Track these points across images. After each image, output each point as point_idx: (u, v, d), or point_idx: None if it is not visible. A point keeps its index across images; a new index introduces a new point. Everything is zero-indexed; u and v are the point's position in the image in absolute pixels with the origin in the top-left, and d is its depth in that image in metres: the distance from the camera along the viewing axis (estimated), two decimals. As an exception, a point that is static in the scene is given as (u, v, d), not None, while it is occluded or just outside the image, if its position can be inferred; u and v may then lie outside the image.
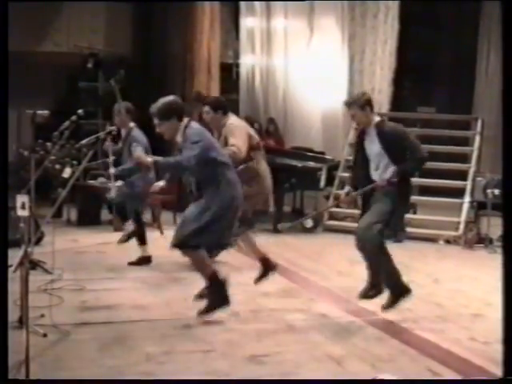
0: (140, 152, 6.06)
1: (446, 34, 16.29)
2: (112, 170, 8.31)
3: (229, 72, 15.66)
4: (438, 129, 13.55)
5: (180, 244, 5.92)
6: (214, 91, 13.02)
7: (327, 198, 12.15)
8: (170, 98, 6.01)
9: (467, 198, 11.10)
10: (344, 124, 13.64)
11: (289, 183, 11.51)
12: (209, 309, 6.01)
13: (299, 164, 11.76)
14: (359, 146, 6.39)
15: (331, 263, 8.94)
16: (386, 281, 6.27)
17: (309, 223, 11.42)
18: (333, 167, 12.19)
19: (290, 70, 14.99)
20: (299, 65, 14.81)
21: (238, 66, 16.05)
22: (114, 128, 7.23)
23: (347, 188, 6.56)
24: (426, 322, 6.30)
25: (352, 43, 14.09)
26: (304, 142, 13.76)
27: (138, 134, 8.37)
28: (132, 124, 8.43)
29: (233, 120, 7.38)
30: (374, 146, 6.17)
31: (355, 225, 10.82)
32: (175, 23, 13.69)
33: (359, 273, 7.69)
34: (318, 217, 11.43)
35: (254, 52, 15.64)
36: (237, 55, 16.06)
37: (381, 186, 6.13)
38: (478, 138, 12.32)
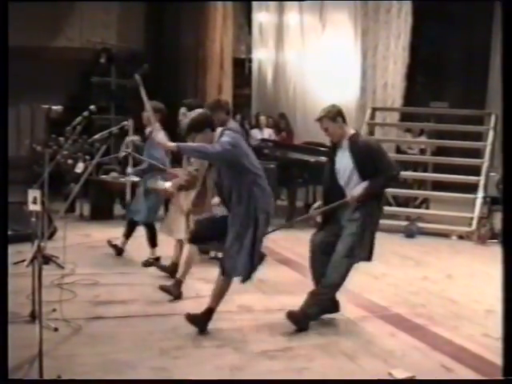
0: (162, 137, 5.91)
1: (459, 29, 16.21)
2: (129, 170, 8.44)
3: (241, 67, 15.65)
4: (450, 124, 13.50)
5: (245, 278, 5.83)
6: (227, 86, 13.03)
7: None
8: (199, 110, 6.00)
9: (480, 194, 11.05)
10: (356, 119, 13.60)
11: (301, 178, 11.49)
12: None
13: (312, 159, 11.74)
14: (330, 160, 6.15)
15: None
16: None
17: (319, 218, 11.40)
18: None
19: (303, 64, 14.97)
20: (311, 60, 14.78)
21: (250, 61, 16.04)
22: (126, 123, 7.24)
23: (318, 203, 6.33)
24: (439, 318, 6.29)
25: (365, 38, 14.04)
26: (316, 137, 13.71)
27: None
28: (157, 124, 8.42)
29: (232, 123, 7.29)
30: (344, 160, 5.92)
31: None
32: (188, 18, 13.70)
33: (371, 267, 7.68)
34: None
35: (266, 47, 15.63)
36: (249, 50, 16.06)
37: (350, 203, 5.87)
38: (491, 133, 12.26)
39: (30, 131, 15.80)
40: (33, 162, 12.69)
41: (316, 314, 5.96)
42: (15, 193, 7.97)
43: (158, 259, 8.32)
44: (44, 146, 8.75)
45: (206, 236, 6.16)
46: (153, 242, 8.33)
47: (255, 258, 5.73)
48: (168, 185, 7.08)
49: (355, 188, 5.82)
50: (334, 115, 5.94)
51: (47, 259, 7.49)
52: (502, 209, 4.79)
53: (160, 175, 7.87)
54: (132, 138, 8.65)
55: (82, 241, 9.33)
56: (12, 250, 8.13)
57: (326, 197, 6.22)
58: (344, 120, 5.98)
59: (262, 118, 14.49)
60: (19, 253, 7.82)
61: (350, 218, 5.89)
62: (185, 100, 7.89)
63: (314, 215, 6.21)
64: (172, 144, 5.79)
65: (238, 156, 5.68)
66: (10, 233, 8.77)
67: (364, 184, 5.79)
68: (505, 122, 3.98)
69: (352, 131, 6.05)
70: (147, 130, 8.39)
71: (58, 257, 7.56)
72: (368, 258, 6.05)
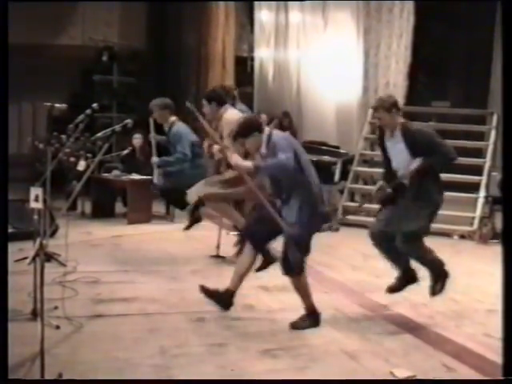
0: (236, 158, 5.79)
1: (462, 28, 16.17)
2: (155, 159, 8.76)
3: (243, 65, 15.64)
4: (452, 123, 13.48)
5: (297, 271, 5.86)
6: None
7: (342, 192, 12.14)
8: (244, 115, 6.00)
9: (482, 193, 11.04)
10: (358, 118, 13.60)
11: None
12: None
13: (314, 158, 11.70)
14: (381, 146, 6.27)
15: (345, 257, 8.93)
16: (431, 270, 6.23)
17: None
18: (347, 161, 12.17)
19: (305, 63, 14.93)
20: (314, 58, 14.75)
21: (252, 59, 16.03)
22: (129, 121, 7.23)
23: (379, 183, 6.35)
24: (440, 317, 6.29)
25: (367, 37, 14.00)
26: (318, 136, 13.72)
27: (180, 128, 8.47)
28: (173, 118, 8.51)
29: (229, 113, 7.31)
30: (397, 149, 6.02)
31: (369, 219, 10.83)
32: (190, 16, 13.69)
33: (372, 267, 7.69)
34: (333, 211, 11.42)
35: (268, 46, 15.61)
36: (251, 49, 16.04)
37: (409, 176, 5.93)
38: (493, 133, 12.25)
39: (32, 129, 15.81)
40: (35, 160, 12.68)
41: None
42: (17, 190, 7.99)
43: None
44: (46, 144, 8.75)
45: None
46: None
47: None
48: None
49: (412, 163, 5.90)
50: (390, 106, 5.99)
51: (49, 257, 7.49)
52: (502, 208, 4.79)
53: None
54: (153, 134, 8.81)
55: (83, 239, 9.34)
56: (14, 247, 8.19)
57: (386, 178, 6.29)
58: (398, 111, 6.06)
59: (263, 117, 14.48)
60: (21, 250, 7.83)
61: (408, 196, 5.97)
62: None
63: (377, 197, 6.22)
64: (249, 164, 5.72)
65: (297, 155, 5.66)
66: (11, 230, 8.80)
67: (419, 160, 5.88)
68: (505, 121, 3.99)
69: (402, 120, 6.09)
70: (165, 126, 8.51)
71: (60, 254, 7.56)
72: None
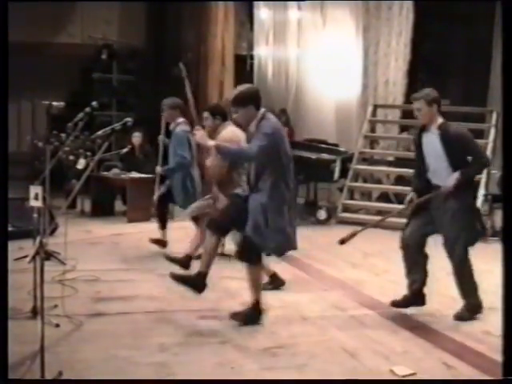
0: (201, 134, 5.85)
1: (461, 26, 16.16)
2: (159, 169, 8.76)
3: (243, 63, 15.64)
4: (452, 121, 13.45)
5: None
6: (228, 82, 13.02)
7: (341, 190, 12.15)
8: (247, 85, 5.97)
9: (482, 191, 11.03)
10: (358, 116, 13.60)
11: (302, 175, 11.47)
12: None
13: (313, 156, 11.75)
14: (417, 145, 6.27)
15: (345, 255, 8.90)
16: (466, 292, 6.26)
17: (322, 215, 11.44)
18: (347, 159, 12.16)
19: (304, 61, 14.94)
20: (313, 56, 14.75)
21: (252, 57, 16.04)
22: (129, 119, 7.20)
23: (410, 195, 6.34)
24: (439, 315, 6.29)
25: (366, 35, 13.99)
26: (318, 134, 13.71)
27: (184, 130, 8.40)
28: (180, 119, 8.43)
29: (228, 130, 7.25)
30: (434, 147, 6.04)
31: (368, 217, 10.84)
32: (189, 14, 13.68)
33: (372, 265, 7.70)
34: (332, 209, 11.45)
35: (267, 44, 15.61)
36: (251, 47, 16.05)
37: (446, 192, 5.95)
38: (492, 131, 12.25)
39: (31, 127, 15.80)
40: (34, 158, 12.69)
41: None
42: (16, 189, 7.98)
43: (164, 243, 8.37)
44: (45, 142, 8.74)
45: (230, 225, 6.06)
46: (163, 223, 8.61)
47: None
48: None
49: (449, 178, 5.92)
50: (431, 100, 6.03)
51: (48, 255, 7.47)
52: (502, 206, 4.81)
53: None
54: (162, 137, 8.77)
55: (83, 237, 9.34)
56: (13, 246, 8.18)
57: (416, 185, 6.34)
58: (438, 107, 6.09)
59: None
60: (21, 249, 7.83)
61: (443, 208, 6.02)
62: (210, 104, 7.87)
63: (410, 208, 6.23)
64: (211, 143, 5.79)
65: (277, 145, 5.64)
66: (11, 229, 8.80)
67: (457, 174, 5.91)
68: (504, 119, 3.99)
69: (441, 120, 6.11)
70: (171, 126, 8.45)
71: (60, 253, 7.56)
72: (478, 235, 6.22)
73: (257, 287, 5.88)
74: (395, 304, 6.26)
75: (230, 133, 7.08)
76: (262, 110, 5.73)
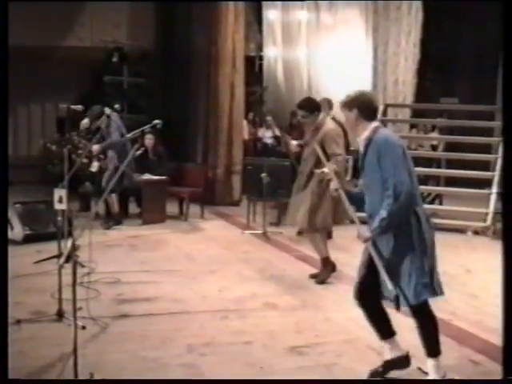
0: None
1: (470, 25, 16.19)
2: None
3: (251, 65, 15.65)
4: (461, 119, 13.49)
5: None
6: (239, 84, 13.00)
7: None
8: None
9: (495, 189, 11.04)
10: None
11: (314, 174, 11.48)
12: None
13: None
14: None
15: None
16: None
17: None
18: (358, 159, 12.16)
19: (314, 62, 14.98)
20: (322, 57, 14.79)
21: (261, 58, 16.06)
22: (158, 121, 7.19)
23: None
24: (461, 313, 6.31)
25: (376, 35, 14.05)
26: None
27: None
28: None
29: (331, 126, 7.33)
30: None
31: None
32: (199, 16, 13.67)
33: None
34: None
35: (276, 45, 15.65)
36: (259, 48, 16.08)
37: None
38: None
39: (41, 131, 15.83)
40: (47, 162, 12.71)
41: None
42: (28, 192, 8.01)
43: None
44: (63, 145, 8.77)
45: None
46: None
47: None
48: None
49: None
50: None
51: (69, 258, 7.50)
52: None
53: None
54: None
55: (99, 240, 9.35)
56: (31, 249, 8.25)
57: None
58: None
59: (269, 118, 14.58)
60: (39, 252, 7.89)
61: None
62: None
63: None
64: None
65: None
66: (28, 232, 8.84)
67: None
68: (505, 121, 4.01)
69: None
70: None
71: (79, 256, 7.59)
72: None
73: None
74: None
75: (334, 126, 7.37)
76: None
